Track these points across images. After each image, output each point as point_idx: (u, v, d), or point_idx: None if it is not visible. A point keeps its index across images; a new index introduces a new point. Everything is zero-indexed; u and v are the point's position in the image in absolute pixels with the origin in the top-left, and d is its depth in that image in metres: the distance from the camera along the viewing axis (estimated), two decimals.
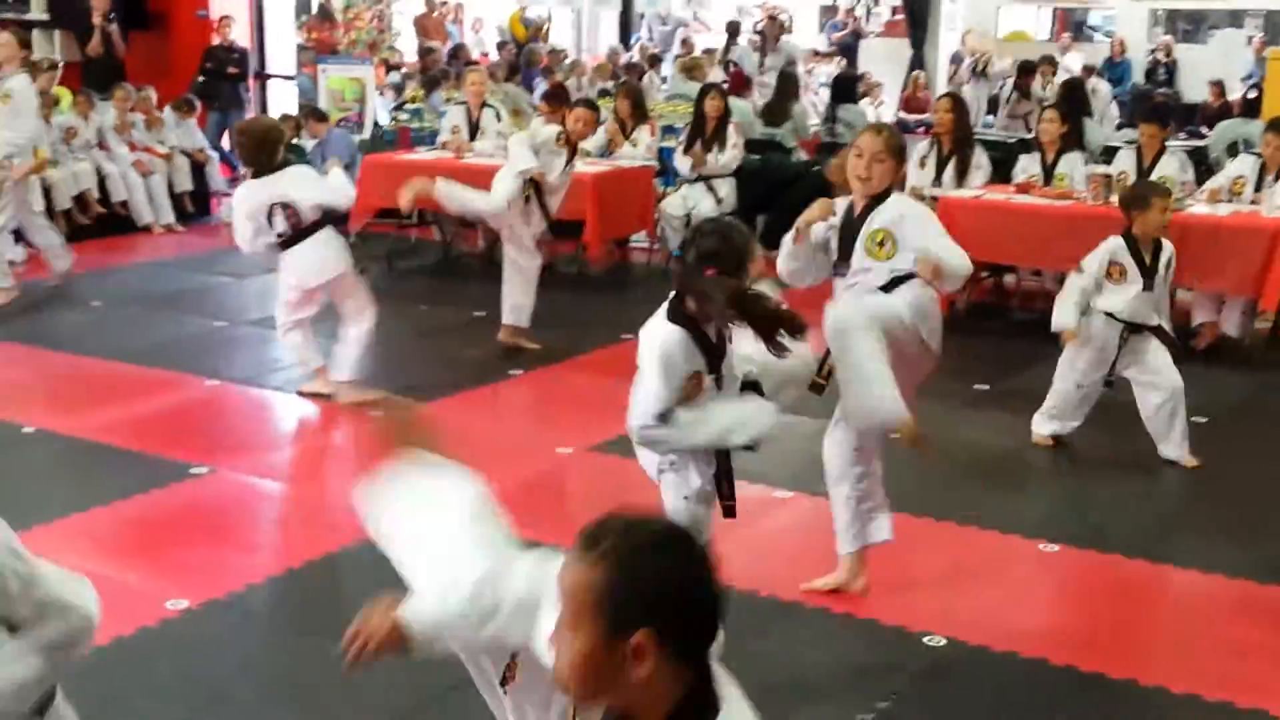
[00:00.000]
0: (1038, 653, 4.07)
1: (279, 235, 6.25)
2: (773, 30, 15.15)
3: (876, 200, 4.24)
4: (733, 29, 16.13)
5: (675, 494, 3.77)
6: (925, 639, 4.16)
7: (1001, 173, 8.63)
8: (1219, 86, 13.97)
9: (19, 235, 9.10)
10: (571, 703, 1.92)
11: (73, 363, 7.18)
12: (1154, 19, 16.78)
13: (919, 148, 8.96)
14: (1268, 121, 8.11)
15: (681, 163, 9.52)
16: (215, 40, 13.28)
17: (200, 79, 13.00)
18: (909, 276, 4.20)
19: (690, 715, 1.77)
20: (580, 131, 7.37)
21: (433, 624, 2.39)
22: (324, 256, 6.32)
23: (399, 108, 11.91)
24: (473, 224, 10.08)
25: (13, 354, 7.33)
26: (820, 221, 4.27)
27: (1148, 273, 5.66)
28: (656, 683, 1.75)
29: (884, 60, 15.40)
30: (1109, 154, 8.80)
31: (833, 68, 15.14)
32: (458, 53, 13.48)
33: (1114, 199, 7.64)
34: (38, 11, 13.70)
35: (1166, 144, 8.36)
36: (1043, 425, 6.00)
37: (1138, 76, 15.97)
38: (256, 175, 6.25)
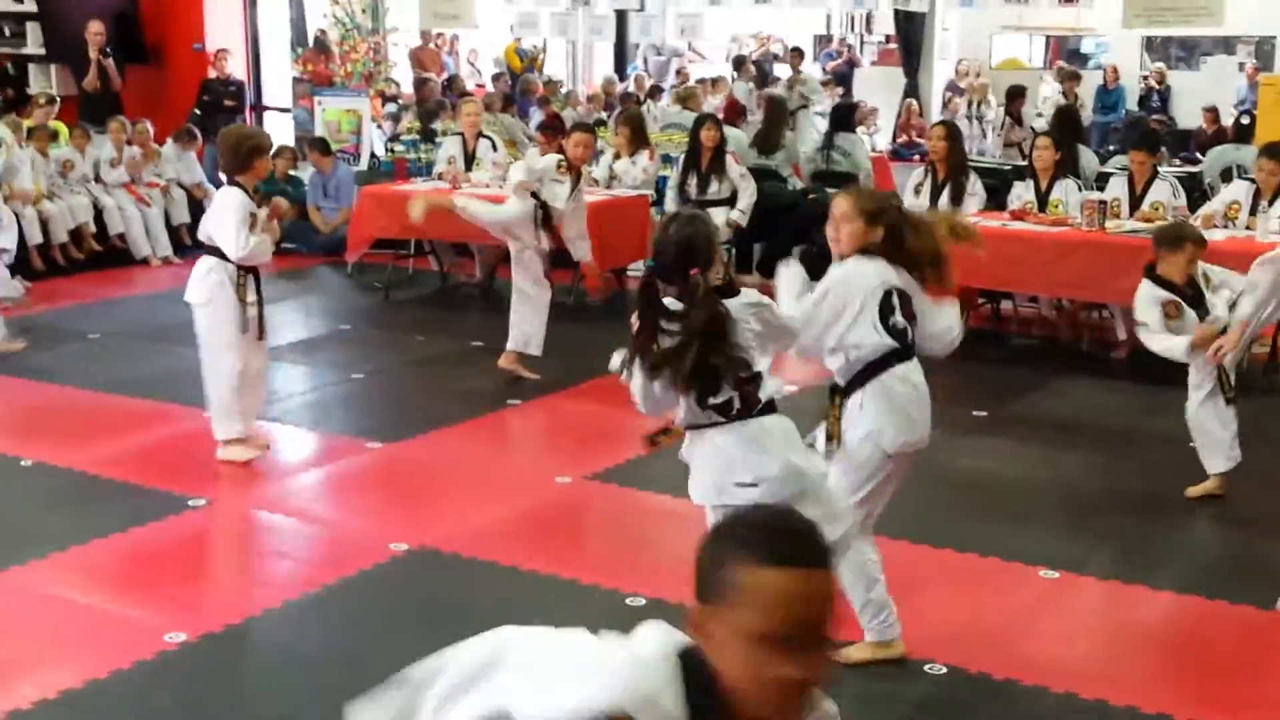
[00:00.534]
0: (1039, 681, 4.06)
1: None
2: (794, 61, 15.20)
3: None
4: (738, 62, 16.23)
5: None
6: (926, 667, 4.15)
7: (996, 200, 8.66)
8: (1213, 112, 14.03)
9: (14, 270, 9.10)
10: None
11: (71, 395, 7.17)
12: (1147, 46, 16.88)
13: (914, 175, 9.00)
14: (1261, 147, 8.14)
15: (672, 195, 9.54)
16: (211, 73, 13.34)
17: (196, 112, 13.05)
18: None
19: None
20: (580, 155, 7.40)
21: None
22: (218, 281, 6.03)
23: (395, 139, 11.95)
24: (470, 254, 10.10)
25: (11, 387, 7.32)
26: None
27: (1196, 301, 5.58)
28: None
29: (879, 88, 15.46)
30: (1102, 180, 8.83)
31: (829, 97, 15.18)
32: (452, 83, 13.53)
33: (1108, 225, 7.68)
34: (34, 46, 13.77)
35: (1159, 170, 8.40)
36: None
37: (1131, 103, 16.04)
38: (233, 182, 6.05)
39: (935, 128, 8.91)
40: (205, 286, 6.01)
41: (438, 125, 11.68)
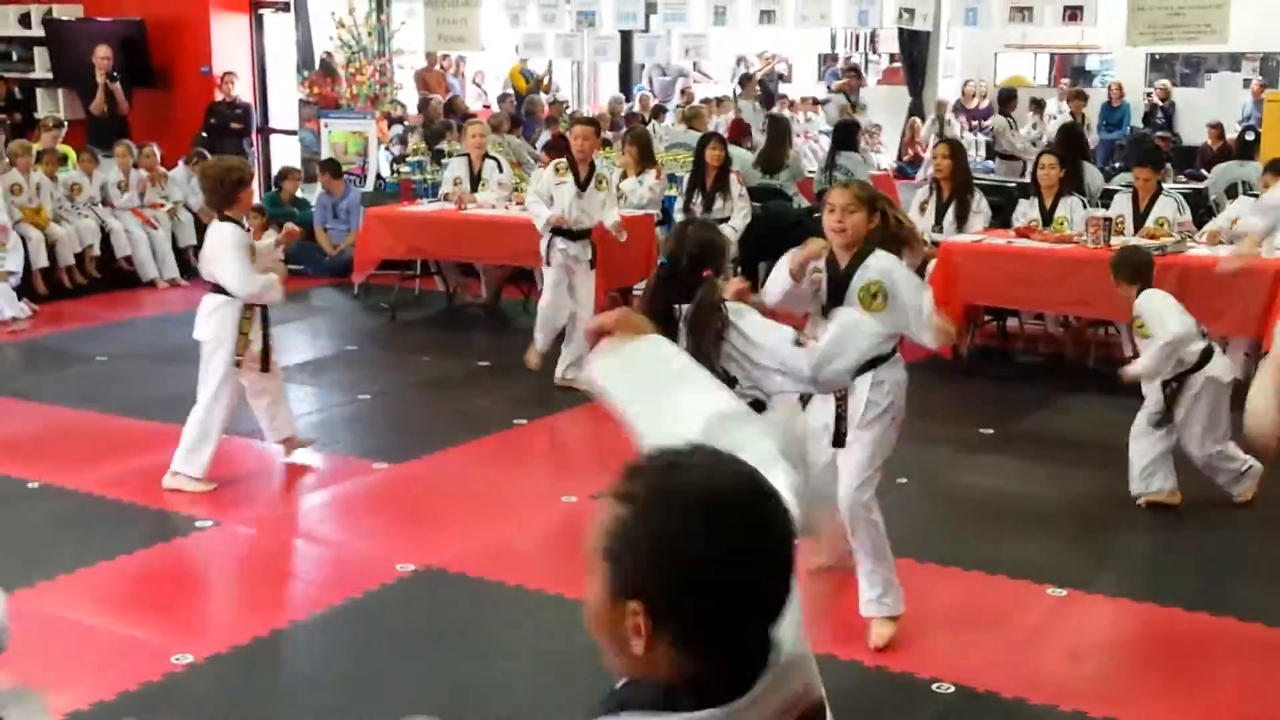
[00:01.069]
0: (1047, 699, 4.04)
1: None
2: (853, 83, 15.19)
3: (862, 253, 4.31)
4: (743, 80, 16.25)
5: None
6: (934, 686, 4.13)
7: (1001, 217, 8.66)
8: (1218, 129, 14.03)
9: (20, 292, 9.13)
10: None
11: (78, 417, 7.19)
12: (1151, 63, 16.88)
13: (919, 193, 9.01)
14: (1267, 163, 8.15)
15: (679, 216, 9.56)
16: (218, 96, 13.39)
17: (203, 135, 13.10)
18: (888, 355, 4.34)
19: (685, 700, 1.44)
20: (584, 149, 7.57)
21: None
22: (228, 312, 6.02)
23: (401, 160, 11.99)
24: (476, 274, 10.12)
25: (18, 409, 7.34)
26: (815, 259, 4.32)
27: None
28: (654, 663, 1.43)
29: (883, 107, 15.48)
30: (1107, 197, 8.83)
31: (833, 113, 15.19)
32: (453, 104, 13.57)
33: (1113, 242, 7.68)
34: (42, 70, 13.85)
35: (1163, 186, 8.40)
36: None
37: (1136, 120, 16.05)
38: (224, 217, 5.97)
39: (940, 146, 8.91)
40: (211, 325, 6.00)
41: (443, 146, 11.72)
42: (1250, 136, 10.66)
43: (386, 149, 12.69)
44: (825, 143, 13.17)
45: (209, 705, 4.09)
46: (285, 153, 14.03)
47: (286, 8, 13.63)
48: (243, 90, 13.74)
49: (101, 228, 10.79)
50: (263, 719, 4.06)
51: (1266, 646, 4.48)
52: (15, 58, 13.85)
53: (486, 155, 9.89)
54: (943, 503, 5.90)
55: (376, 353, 8.83)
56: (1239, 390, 5.59)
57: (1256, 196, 7.91)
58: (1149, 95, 16.17)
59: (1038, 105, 14.58)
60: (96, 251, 10.74)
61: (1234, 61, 16.69)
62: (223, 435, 6.03)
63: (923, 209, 8.71)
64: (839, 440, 4.38)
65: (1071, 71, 18.45)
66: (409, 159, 11.78)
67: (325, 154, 12.36)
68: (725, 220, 9.45)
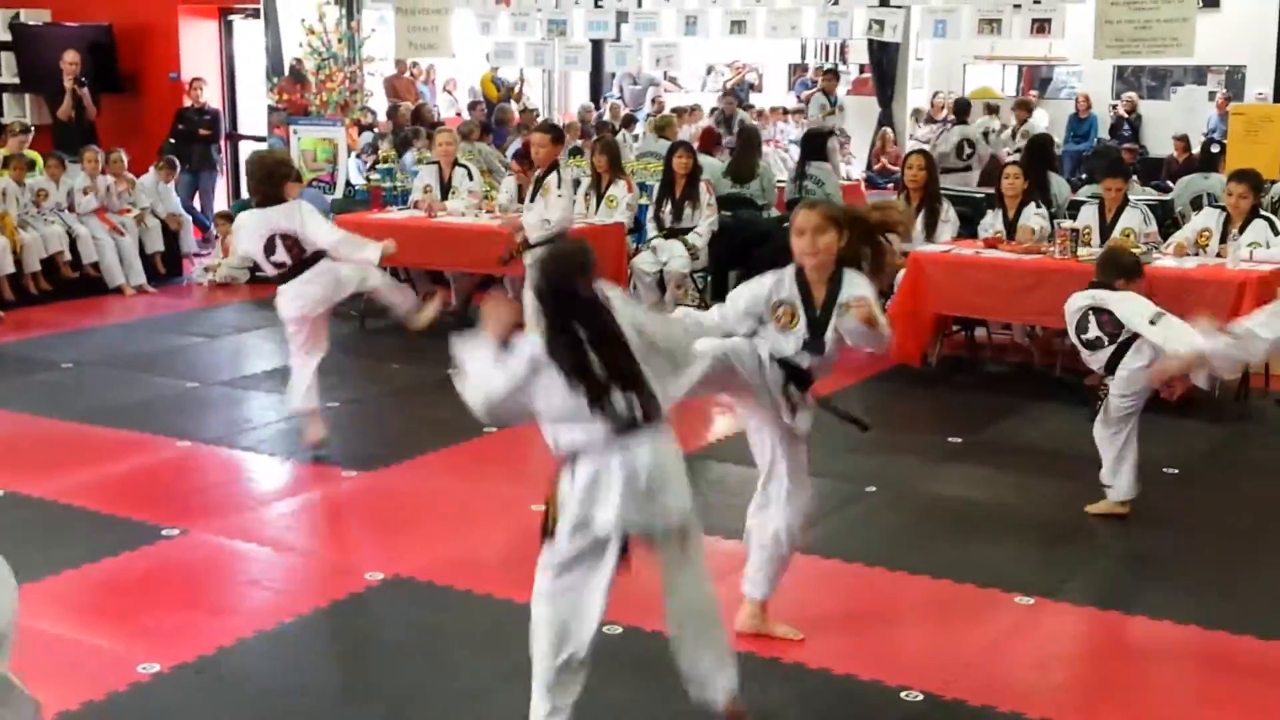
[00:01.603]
0: (1015, 707, 4.06)
1: (277, 266, 6.31)
2: (832, 83, 15.24)
3: (835, 276, 4.22)
4: (731, 92, 16.35)
5: None
6: (902, 694, 4.14)
7: (969, 228, 8.72)
8: (1183, 141, 14.16)
9: None
10: None
11: (43, 425, 7.13)
12: (1118, 75, 17.03)
13: None
14: (1231, 172, 8.23)
15: (651, 225, 9.60)
16: (187, 102, 13.34)
17: (171, 141, 13.03)
18: None
19: None
20: (540, 156, 7.62)
21: None
22: (310, 292, 6.34)
23: (371, 168, 11.97)
24: (447, 282, 10.10)
25: None
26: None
27: None
28: None
29: (853, 117, 15.56)
30: (1074, 208, 8.90)
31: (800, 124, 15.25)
32: (420, 112, 13.56)
33: (1080, 252, 7.74)
34: (9, 75, 13.77)
35: (1130, 198, 8.47)
36: None
37: (1103, 132, 16.17)
38: (261, 205, 6.29)
39: (913, 156, 8.97)
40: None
41: (411, 154, 11.70)
42: (1214, 149, 10.75)
43: (357, 156, 12.66)
44: (795, 151, 13.21)
45: (175, 715, 4.06)
46: None
47: (256, 14, 13.58)
48: (211, 96, 13.69)
49: (68, 234, 10.71)
50: None
51: (1231, 655, 4.51)
52: None
53: (456, 163, 9.88)
54: (911, 511, 5.92)
55: (345, 360, 8.78)
56: None
57: (1222, 208, 7.98)
58: (1115, 107, 16.31)
59: (991, 110, 14.65)
60: (68, 256, 10.66)
61: (1199, 74, 16.86)
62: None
63: None
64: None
65: (1039, 83, 18.59)
66: (379, 166, 11.75)
67: (295, 161, 12.30)
68: (694, 229, 9.50)
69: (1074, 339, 5.83)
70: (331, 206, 11.11)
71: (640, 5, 11.69)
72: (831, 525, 5.57)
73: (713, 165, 10.70)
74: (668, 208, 9.54)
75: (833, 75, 15.19)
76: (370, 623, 4.71)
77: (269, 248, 6.26)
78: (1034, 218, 8.33)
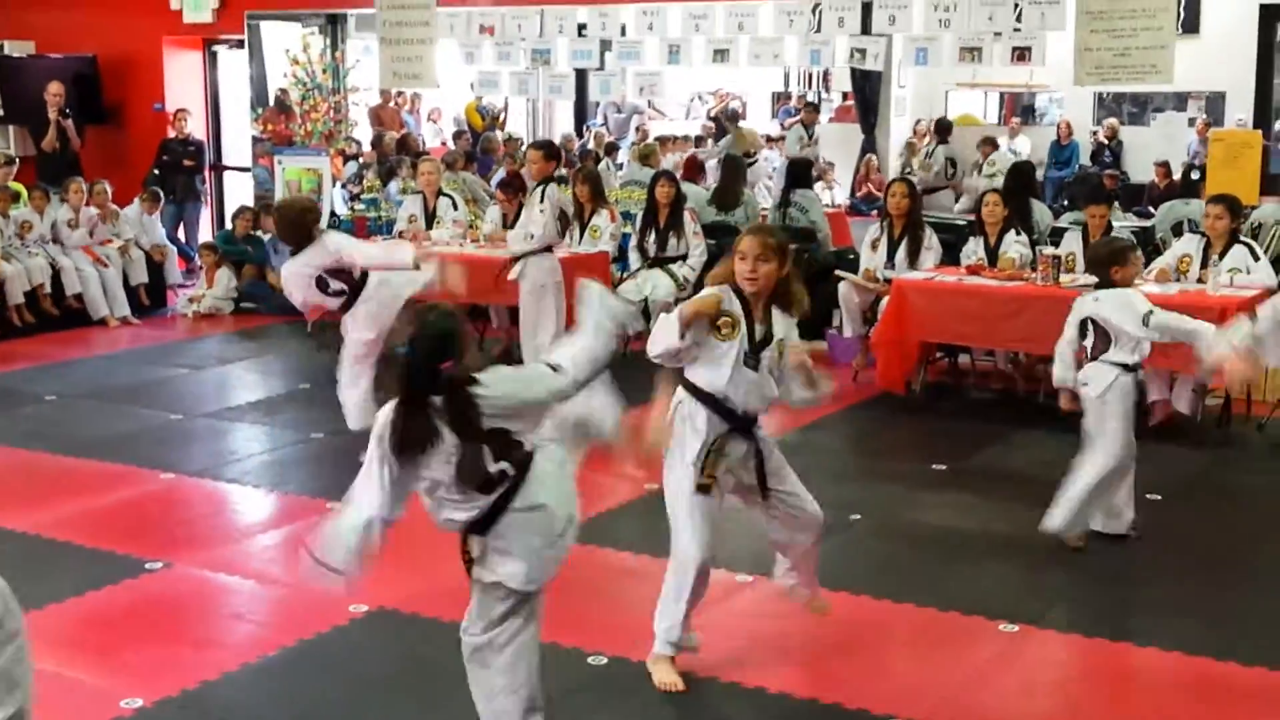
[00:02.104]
0: None
1: (338, 295, 6.54)
2: (812, 119, 15.34)
3: (769, 303, 4.26)
4: (733, 116, 16.44)
5: None
6: None
7: (952, 255, 8.75)
8: (1164, 167, 14.24)
9: None
10: None
11: (26, 458, 7.11)
12: (1099, 101, 17.13)
13: (870, 230, 9.09)
14: (1209, 197, 8.28)
15: (634, 254, 9.61)
16: (171, 133, 13.35)
17: (156, 172, 13.04)
18: None
19: None
20: (533, 172, 7.68)
21: None
22: (375, 311, 6.59)
23: (356, 198, 11.98)
24: None
25: None
26: (704, 316, 4.19)
27: None
28: None
29: (836, 145, 15.64)
30: (1056, 235, 8.94)
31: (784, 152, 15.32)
32: (405, 141, 13.58)
33: (1063, 279, 7.78)
34: None
35: (1113, 224, 8.51)
36: None
37: (1085, 158, 16.26)
38: (295, 252, 6.53)
39: (896, 184, 9.00)
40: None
41: (396, 183, 11.72)
42: (1195, 175, 10.82)
43: (342, 186, 12.68)
44: (779, 179, 13.27)
45: None
46: (239, 190, 13.98)
47: (240, 44, 13.61)
48: (196, 127, 13.70)
49: (52, 265, 10.70)
50: None
51: (1214, 681, 4.52)
52: None
53: (441, 192, 9.89)
54: (896, 539, 5.93)
55: (330, 391, 8.73)
56: None
57: (1201, 233, 8.03)
58: (1096, 133, 16.40)
59: (990, 144, 14.72)
60: (48, 289, 10.65)
61: (1180, 100, 16.97)
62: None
63: (874, 246, 8.80)
64: (765, 493, 4.41)
65: (1021, 109, 18.69)
66: (363, 196, 11.77)
67: (279, 191, 12.32)
68: (680, 258, 9.52)
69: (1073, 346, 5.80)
70: None
71: (624, 34, 11.74)
72: None
73: (696, 193, 10.73)
74: (652, 237, 9.56)
75: (813, 109, 15.30)
76: (355, 655, 4.69)
77: (322, 286, 6.52)
78: (1015, 245, 8.37)
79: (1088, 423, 5.65)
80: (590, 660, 4.57)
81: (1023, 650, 4.77)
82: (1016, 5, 9.88)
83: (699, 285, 9.56)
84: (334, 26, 13.19)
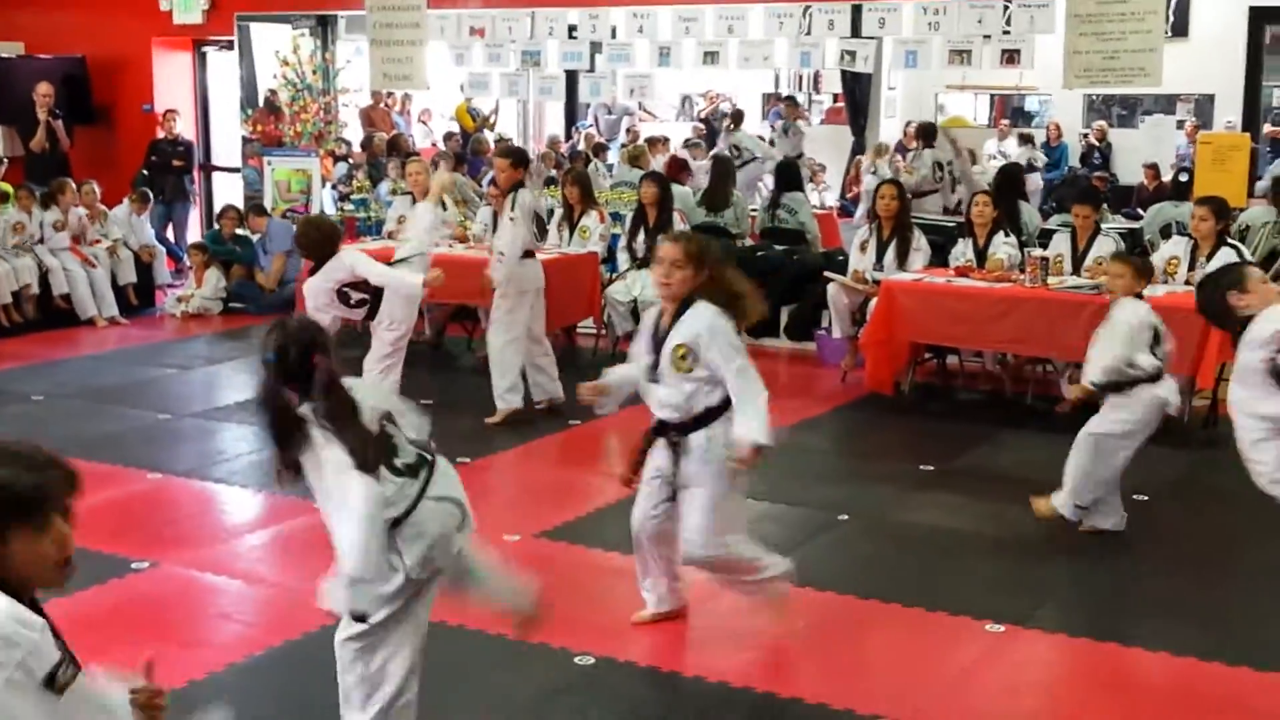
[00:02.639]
0: None
1: (360, 305, 6.90)
2: (792, 114, 15.34)
3: (680, 309, 4.28)
4: (737, 116, 16.42)
5: None
6: None
7: (941, 256, 8.77)
8: (1153, 169, 14.28)
9: None
10: None
11: None
12: (1089, 104, 17.17)
13: (859, 232, 9.11)
14: (1197, 199, 8.31)
15: (623, 255, 9.62)
16: (160, 133, 13.33)
17: (145, 172, 13.02)
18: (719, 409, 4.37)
19: None
20: (501, 180, 7.73)
21: None
22: (396, 313, 7.18)
23: (345, 198, 11.98)
24: (420, 312, 10.08)
25: None
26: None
27: None
28: None
29: (826, 146, 15.64)
30: (1045, 237, 8.96)
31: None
32: (396, 142, 13.58)
33: (1051, 281, 7.79)
34: None
35: (1101, 226, 8.53)
36: None
37: (1074, 160, 16.30)
38: (316, 268, 6.78)
39: (885, 186, 9.01)
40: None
41: (386, 184, 11.71)
42: (1184, 178, 10.85)
43: (333, 187, 12.67)
44: (769, 180, 13.28)
45: None
46: (228, 190, 13.97)
47: (230, 45, 13.60)
48: (185, 128, 13.68)
49: (39, 265, 10.68)
50: None
51: (1200, 681, 4.53)
52: None
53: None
54: (883, 539, 5.94)
55: None
56: None
57: (1189, 236, 8.05)
58: (1086, 136, 16.44)
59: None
60: (35, 290, 10.63)
61: (1169, 103, 17.02)
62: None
63: (863, 247, 8.81)
64: (672, 494, 4.48)
65: (1011, 112, 18.73)
66: (353, 197, 11.76)
67: (269, 192, 12.32)
68: None
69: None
70: None
71: (614, 36, 11.75)
72: (803, 554, 5.57)
73: (683, 194, 10.74)
74: (640, 238, 9.56)
75: (793, 104, 15.38)
76: None
77: (344, 299, 6.78)
78: (1003, 246, 8.39)
79: None
80: (577, 660, 4.57)
81: (1009, 650, 4.78)
82: (1006, 8, 9.91)
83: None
84: (324, 28, 13.19)
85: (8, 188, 11.16)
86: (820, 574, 5.37)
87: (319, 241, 6.83)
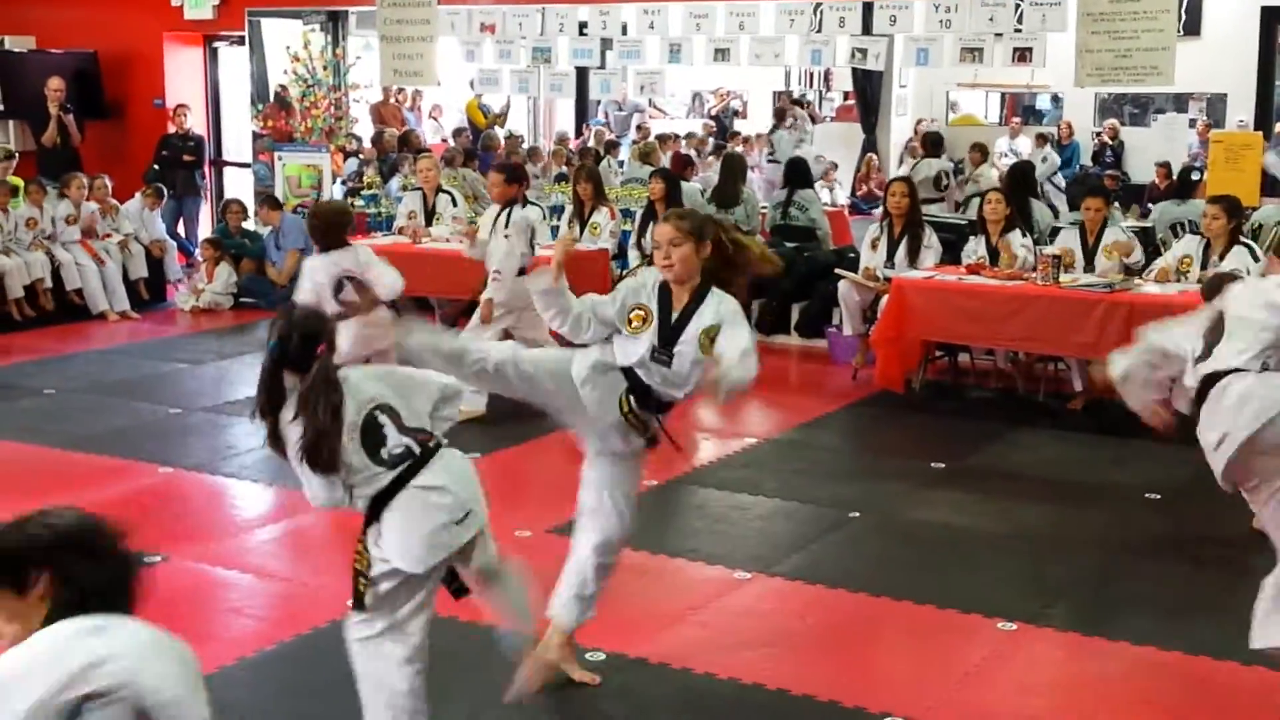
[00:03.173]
0: None
1: (341, 305, 6.62)
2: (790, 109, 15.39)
3: (700, 293, 4.10)
4: (779, 113, 16.41)
5: None
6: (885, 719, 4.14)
7: (952, 254, 8.75)
8: (1165, 168, 14.24)
9: None
10: None
11: (24, 451, 7.10)
12: (1100, 102, 17.14)
13: (870, 229, 9.09)
14: (1209, 198, 8.28)
15: (633, 252, 9.61)
16: (171, 128, 13.35)
17: (156, 167, 13.04)
18: None
19: None
20: (494, 195, 7.74)
21: None
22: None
23: (355, 194, 11.98)
24: (431, 308, 10.09)
25: None
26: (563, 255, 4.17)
27: None
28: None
29: (838, 144, 15.63)
30: (1056, 235, 8.94)
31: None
32: (408, 138, 13.59)
33: (1062, 279, 7.77)
34: None
35: (1108, 220, 8.50)
36: None
37: (1086, 159, 16.27)
38: (324, 251, 6.69)
39: (896, 184, 9.00)
40: None
41: (397, 180, 11.71)
42: (1194, 176, 10.81)
43: (343, 183, 12.68)
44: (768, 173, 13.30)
45: None
46: (239, 185, 13.99)
47: (241, 41, 13.62)
48: (196, 123, 13.70)
49: (51, 260, 10.70)
50: None
51: (1213, 681, 4.51)
52: None
53: (440, 189, 9.89)
54: (894, 537, 5.93)
55: None
56: None
57: (1200, 234, 8.03)
58: (1098, 134, 16.40)
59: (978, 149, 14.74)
60: (48, 284, 10.65)
61: (1181, 102, 16.98)
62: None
63: (874, 245, 8.79)
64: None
65: (1022, 110, 18.70)
66: (364, 192, 11.77)
67: (279, 187, 12.33)
68: None
69: None
70: None
71: (625, 33, 11.75)
72: (814, 551, 5.57)
73: (691, 190, 10.73)
74: (650, 234, 9.54)
75: (795, 102, 15.43)
76: None
77: (337, 288, 6.61)
78: (1019, 244, 8.36)
79: None
80: (588, 656, 4.56)
81: (1020, 649, 4.77)
82: (1017, 6, 9.89)
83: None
84: (335, 23, 13.21)
85: (19, 182, 11.18)
86: (831, 571, 5.37)
87: (329, 224, 6.78)
